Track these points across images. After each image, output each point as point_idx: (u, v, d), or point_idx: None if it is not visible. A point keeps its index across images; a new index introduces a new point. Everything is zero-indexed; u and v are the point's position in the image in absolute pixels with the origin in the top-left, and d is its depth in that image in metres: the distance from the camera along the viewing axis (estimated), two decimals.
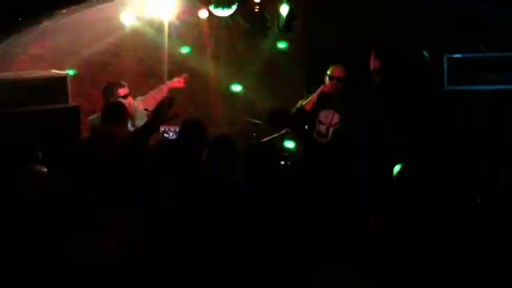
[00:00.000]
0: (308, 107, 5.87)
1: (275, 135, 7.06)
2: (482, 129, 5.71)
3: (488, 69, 5.75)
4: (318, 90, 5.85)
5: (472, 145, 5.73)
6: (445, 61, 5.94)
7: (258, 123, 7.30)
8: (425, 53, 7.60)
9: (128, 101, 6.09)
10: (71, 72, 6.58)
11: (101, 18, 7.24)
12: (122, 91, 6.12)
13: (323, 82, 5.94)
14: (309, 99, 5.89)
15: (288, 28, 5.51)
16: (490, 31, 6.05)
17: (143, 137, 4.61)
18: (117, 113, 5.27)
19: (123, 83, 6.28)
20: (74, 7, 6.08)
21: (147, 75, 7.42)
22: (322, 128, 5.90)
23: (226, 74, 7.84)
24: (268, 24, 7.14)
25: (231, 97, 7.99)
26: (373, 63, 5.71)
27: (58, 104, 5.68)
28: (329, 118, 5.85)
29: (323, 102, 5.90)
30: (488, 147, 5.69)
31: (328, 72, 5.88)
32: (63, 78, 6.06)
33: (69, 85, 6.05)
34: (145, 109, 6.04)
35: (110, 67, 7.41)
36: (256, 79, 8.05)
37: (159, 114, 4.64)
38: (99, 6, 7.07)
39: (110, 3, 6.97)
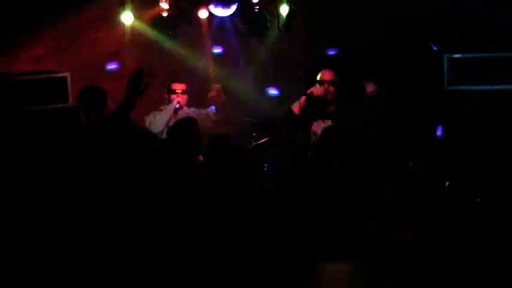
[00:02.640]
0: (296, 110, 5.55)
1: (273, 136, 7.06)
2: (482, 129, 5.71)
3: (488, 69, 5.74)
4: (307, 92, 5.55)
5: (472, 145, 5.73)
6: (445, 61, 5.93)
7: (257, 123, 7.29)
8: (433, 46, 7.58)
9: (183, 98, 6.08)
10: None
11: (101, 18, 7.24)
12: (175, 86, 6.13)
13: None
14: (297, 102, 5.59)
15: (288, 28, 5.48)
16: (491, 31, 6.06)
17: (119, 118, 4.49)
18: (93, 98, 5.17)
19: (179, 78, 6.35)
20: (74, 7, 6.10)
21: (147, 76, 7.40)
22: (315, 139, 5.52)
23: (226, 74, 7.84)
24: (268, 24, 7.14)
25: (231, 97, 7.99)
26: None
27: (58, 104, 5.68)
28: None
29: (316, 109, 5.60)
30: (489, 147, 5.69)
31: (318, 78, 5.67)
32: (63, 78, 6.07)
33: (69, 85, 6.06)
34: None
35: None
36: (256, 79, 8.05)
37: (132, 89, 4.50)
38: (99, 6, 7.09)
39: (110, 3, 6.99)
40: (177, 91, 6.14)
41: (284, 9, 5.56)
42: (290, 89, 8.11)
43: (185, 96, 6.19)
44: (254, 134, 7.22)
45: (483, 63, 5.83)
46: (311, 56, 7.99)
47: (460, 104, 5.85)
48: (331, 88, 5.56)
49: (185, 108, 6.25)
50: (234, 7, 6.44)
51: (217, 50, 7.75)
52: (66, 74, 6.21)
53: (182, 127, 4.88)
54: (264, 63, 7.99)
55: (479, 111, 5.76)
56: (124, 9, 6.59)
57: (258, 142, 7.17)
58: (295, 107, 5.55)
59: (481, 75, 5.79)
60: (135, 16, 6.69)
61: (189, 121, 5.02)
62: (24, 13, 5.30)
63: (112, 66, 7.21)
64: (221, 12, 6.47)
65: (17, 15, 5.29)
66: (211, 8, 6.62)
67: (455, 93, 5.90)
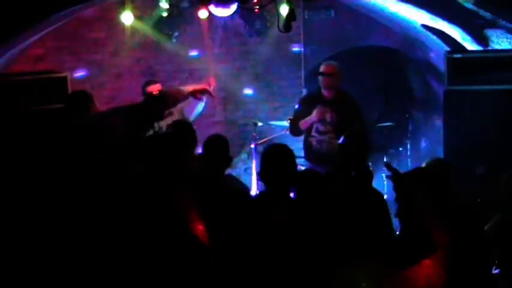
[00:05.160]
0: (303, 127, 5.90)
1: (275, 135, 7.07)
2: (483, 129, 5.71)
3: (488, 69, 5.74)
4: (316, 116, 5.80)
5: (472, 145, 5.73)
6: (445, 61, 5.93)
7: (257, 123, 7.30)
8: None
9: None
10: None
11: (101, 18, 7.25)
12: (151, 88, 6.09)
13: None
14: (306, 118, 5.85)
15: (287, 28, 5.48)
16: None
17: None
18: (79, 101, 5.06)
19: (156, 79, 6.41)
20: (74, 7, 6.10)
21: (147, 75, 7.41)
22: (319, 125, 5.88)
23: (226, 75, 7.84)
24: (268, 24, 7.14)
25: (231, 97, 8.00)
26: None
27: (58, 104, 5.67)
28: (327, 115, 5.79)
29: (318, 101, 5.89)
30: (488, 147, 5.69)
31: (321, 70, 5.94)
32: (63, 78, 6.07)
33: (69, 85, 6.06)
34: None
35: (110, 67, 7.41)
36: (256, 79, 8.05)
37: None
38: (99, 6, 7.09)
39: (110, 3, 6.99)
40: (153, 93, 6.05)
41: (284, 9, 5.54)
42: (290, 89, 8.13)
43: None
44: (254, 134, 7.23)
45: (483, 63, 5.82)
46: (311, 56, 8.00)
47: (460, 104, 5.84)
48: (332, 79, 5.85)
49: None
50: (234, 7, 6.43)
51: (193, 53, 7.75)
52: (66, 74, 6.21)
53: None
54: (264, 63, 7.99)
55: (479, 111, 5.75)
56: (124, 9, 6.59)
57: (258, 142, 7.19)
58: (303, 124, 5.90)
59: (481, 75, 5.79)
60: (135, 16, 6.70)
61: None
62: (24, 13, 5.29)
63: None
64: (221, 12, 6.46)
65: (17, 15, 5.28)
66: (211, 8, 6.61)
67: (455, 93, 5.89)
